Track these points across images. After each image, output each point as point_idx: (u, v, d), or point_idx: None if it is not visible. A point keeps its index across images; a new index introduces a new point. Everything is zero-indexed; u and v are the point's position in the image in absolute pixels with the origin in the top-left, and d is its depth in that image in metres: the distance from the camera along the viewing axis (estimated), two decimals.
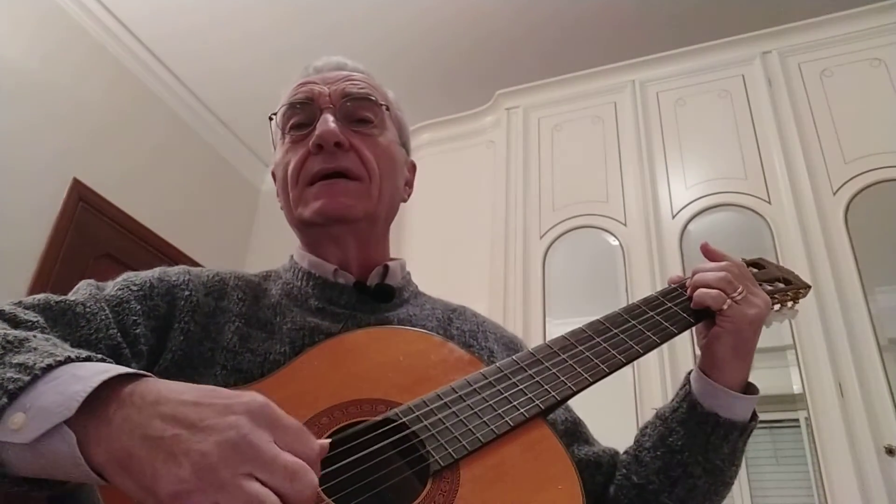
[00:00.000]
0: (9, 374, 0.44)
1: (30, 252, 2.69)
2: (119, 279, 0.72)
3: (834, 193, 2.19)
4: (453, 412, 0.62)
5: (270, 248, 3.66)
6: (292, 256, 0.86)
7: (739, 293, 0.75)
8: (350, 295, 0.79)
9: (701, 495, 0.75)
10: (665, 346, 0.80)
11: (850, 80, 2.36)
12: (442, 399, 0.63)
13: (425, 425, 0.60)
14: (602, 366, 0.69)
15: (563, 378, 0.67)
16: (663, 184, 2.45)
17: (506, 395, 0.65)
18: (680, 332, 0.75)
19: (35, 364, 0.45)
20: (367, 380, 0.65)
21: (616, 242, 2.43)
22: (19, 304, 0.61)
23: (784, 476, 2.34)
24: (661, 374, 2.07)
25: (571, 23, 3.11)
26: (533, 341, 1.91)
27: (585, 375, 0.68)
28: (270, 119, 0.84)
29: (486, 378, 0.66)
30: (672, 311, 0.77)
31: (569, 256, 2.53)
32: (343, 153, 0.78)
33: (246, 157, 4.03)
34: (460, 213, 2.78)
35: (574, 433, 0.82)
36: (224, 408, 0.41)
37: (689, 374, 0.78)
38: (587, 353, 0.70)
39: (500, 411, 0.63)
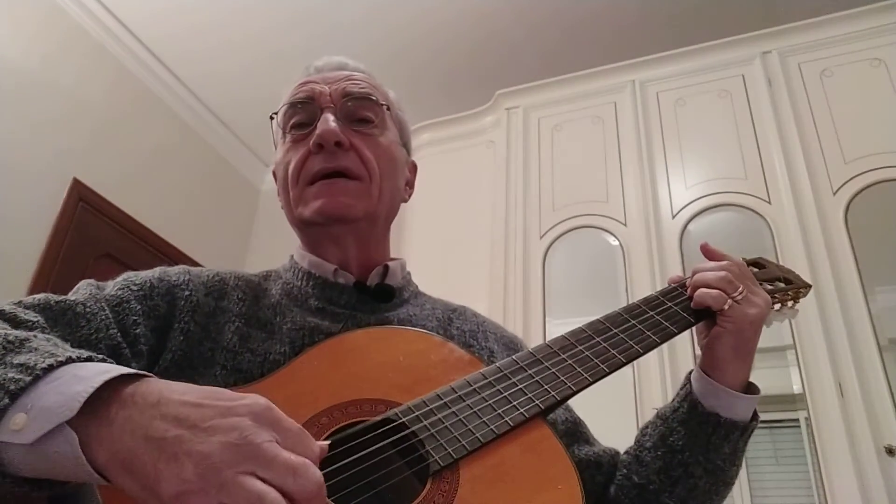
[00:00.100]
0: (10, 375, 0.44)
1: (30, 252, 2.69)
2: (119, 279, 0.72)
3: (834, 193, 2.19)
4: (453, 412, 0.62)
5: (270, 248, 3.66)
6: (292, 256, 0.85)
7: (740, 293, 0.75)
8: (350, 295, 0.79)
9: (702, 495, 0.74)
10: (665, 345, 0.80)
11: (850, 80, 2.36)
12: (442, 399, 0.63)
13: (425, 425, 0.60)
14: (602, 366, 0.69)
15: (562, 378, 0.67)
16: (663, 184, 2.45)
17: (506, 395, 0.65)
18: (680, 332, 0.75)
19: (36, 364, 0.45)
20: (366, 380, 0.65)
21: (616, 242, 2.43)
22: (19, 303, 0.61)
23: (784, 476, 2.33)
24: (661, 374, 2.07)
25: (571, 23, 3.11)
26: (533, 341, 1.91)
27: (585, 375, 0.68)
28: (271, 118, 0.84)
29: (486, 378, 0.66)
30: (672, 310, 0.76)
31: (569, 256, 2.53)
32: (343, 153, 0.78)
33: (246, 158, 4.03)
34: (460, 213, 2.78)
35: (574, 433, 0.82)
36: (226, 409, 0.41)
37: (690, 373, 0.78)
38: (587, 353, 0.70)
39: (499, 411, 0.63)
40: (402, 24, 3.16)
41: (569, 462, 0.60)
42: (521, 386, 0.66)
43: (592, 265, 2.65)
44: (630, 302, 0.79)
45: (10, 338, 0.49)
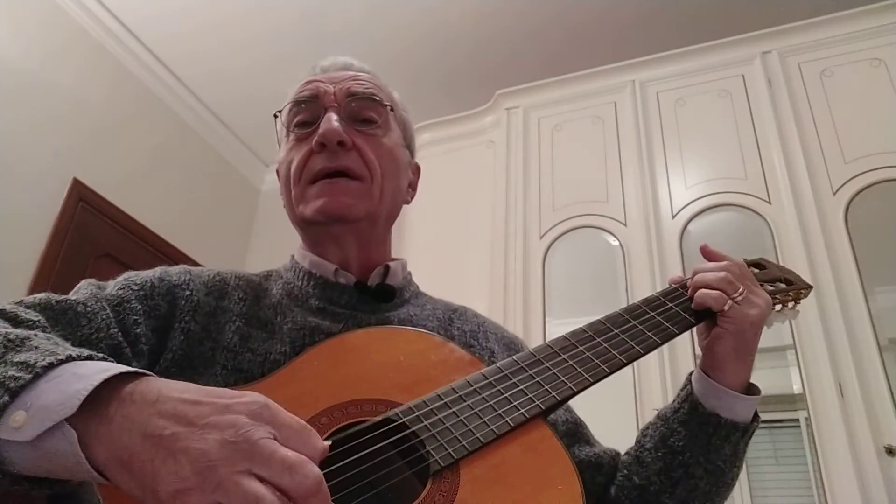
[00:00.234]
0: (10, 373, 0.44)
1: (30, 252, 2.69)
2: (120, 279, 0.72)
3: (834, 193, 2.19)
4: (453, 412, 0.62)
5: (270, 248, 3.67)
6: (293, 256, 0.85)
7: (740, 293, 0.75)
8: (351, 295, 0.79)
9: (702, 496, 0.74)
10: (665, 346, 0.80)
11: (850, 80, 2.36)
12: (442, 399, 0.63)
13: (425, 425, 0.60)
14: (602, 366, 0.69)
15: (563, 378, 0.67)
16: (663, 184, 2.45)
17: (506, 395, 0.65)
18: (681, 333, 0.75)
19: (36, 363, 0.45)
20: (367, 380, 0.65)
21: (616, 242, 2.43)
22: (20, 303, 0.61)
23: (784, 476, 2.33)
24: (661, 374, 2.07)
25: (571, 23, 3.11)
26: (533, 341, 1.91)
27: (586, 376, 0.68)
28: (275, 116, 0.84)
29: (487, 378, 0.66)
30: (673, 311, 0.76)
31: (569, 256, 2.53)
32: (346, 152, 0.77)
33: (246, 157, 4.03)
34: (460, 213, 2.78)
35: (575, 434, 0.82)
36: (224, 406, 0.41)
37: (691, 374, 0.78)
38: (587, 354, 0.70)
39: (500, 411, 0.63)
40: (402, 24, 3.16)
41: (569, 462, 0.60)
42: (521, 386, 0.66)
43: (592, 265, 2.65)
44: (630, 302, 0.79)
45: (11, 336, 0.49)
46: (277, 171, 0.85)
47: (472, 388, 0.65)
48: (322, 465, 0.42)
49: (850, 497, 1.75)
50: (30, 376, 0.44)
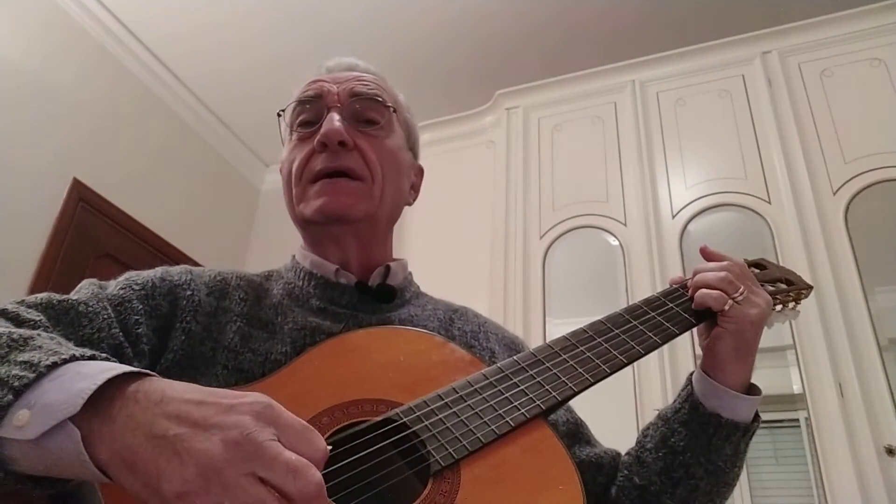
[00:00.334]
0: (14, 372, 0.44)
1: (30, 252, 2.69)
2: (121, 278, 0.72)
3: (834, 193, 2.19)
4: (454, 412, 0.62)
5: (270, 248, 3.66)
6: (294, 256, 0.86)
7: (741, 293, 0.74)
8: (351, 295, 0.79)
9: (703, 496, 0.74)
10: (665, 346, 0.80)
11: (850, 80, 2.36)
12: (443, 399, 0.63)
13: (426, 425, 0.60)
14: (603, 366, 0.69)
15: (564, 378, 0.67)
16: (663, 184, 2.45)
17: (507, 395, 0.65)
18: (681, 333, 0.75)
19: (40, 362, 0.45)
20: (367, 380, 0.65)
21: (616, 242, 2.43)
22: (22, 302, 0.61)
23: (784, 476, 2.34)
24: (662, 374, 2.07)
25: (571, 23, 3.11)
26: (533, 341, 1.91)
27: (586, 376, 0.68)
28: (279, 115, 0.84)
29: (487, 378, 0.66)
30: (673, 311, 0.76)
31: (569, 256, 2.53)
32: (347, 153, 0.78)
33: (246, 157, 4.03)
34: (460, 213, 2.78)
35: (576, 434, 0.81)
36: (228, 407, 0.41)
37: (692, 374, 0.78)
38: (588, 354, 0.70)
39: (500, 411, 0.63)
40: (402, 24, 3.16)
41: (570, 463, 0.60)
42: (522, 386, 0.66)
43: (592, 265, 2.65)
44: (630, 302, 0.79)
45: (15, 336, 0.49)
46: (281, 171, 0.85)
47: (472, 388, 0.65)
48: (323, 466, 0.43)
49: (850, 497, 1.75)
50: (33, 375, 0.44)
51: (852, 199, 2.15)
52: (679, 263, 2.28)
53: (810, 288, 0.88)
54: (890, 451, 1.77)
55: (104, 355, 0.48)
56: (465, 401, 0.63)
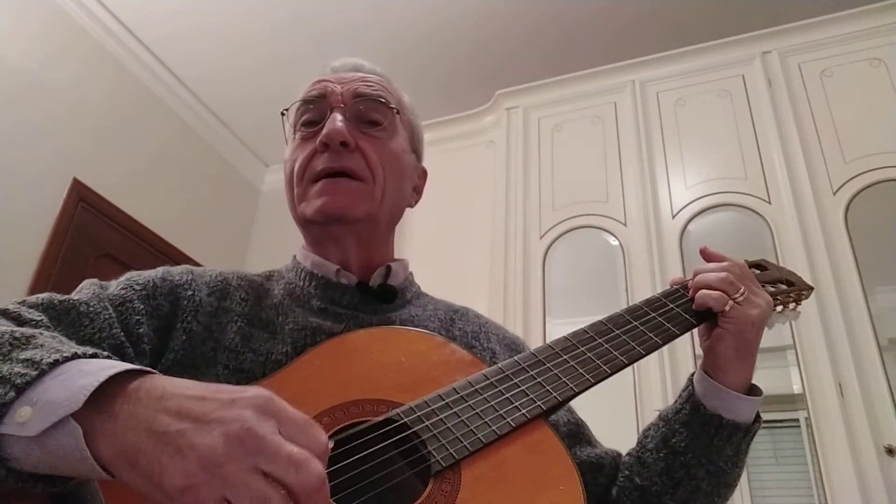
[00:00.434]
0: (16, 369, 0.44)
1: (30, 252, 2.69)
2: (122, 278, 0.72)
3: (834, 193, 2.19)
4: (455, 412, 0.62)
5: (270, 248, 3.67)
6: (295, 256, 0.86)
7: (741, 294, 0.74)
8: (352, 295, 0.79)
9: (704, 497, 0.74)
10: (665, 347, 0.80)
11: (850, 80, 2.36)
12: (444, 399, 0.63)
13: (427, 426, 0.60)
14: (604, 367, 0.69)
15: (564, 379, 0.67)
16: (663, 184, 2.45)
17: (507, 395, 0.65)
18: (682, 334, 0.75)
19: (42, 359, 0.45)
20: (368, 380, 0.65)
21: (616, 242, 2.43)
22: (23, 303, 0.61)
23: (784, 476, 2.34)
24: (662, 375, 2.07)
25: (571, 23, 3.11)
26: (533, 341, 1.91)
27: (587, 376, 0.68)
28: (283, 114, 0.85)
29: (488, 379, 0.66)
30: (674, 312, 0.76)
31: (569, 256, 2.53)
32: (349, 153, 0.78)
33: (246, 157, 4.03)
34: (460, 213, 2.78)
35: (576, 435, 0.82)
36: (229, 402, 0.41)
37: (692, 375, 0.78)
38: (589, 354, 0.70)
39: (501, 412, 0.63)
40: (402, 24, 3.17)
41: (570, 463, 0.60)
42: (522, 387, 0.66)
43: (592, 265, 2.65)
44: (630, 302, 0.79)
45: (17, 334, 0.49)
46: (284, 170, 0.86)
47: (473, 389, 0.65)
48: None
49: (850, 497, 1.75)
50: (36, 373, 0.44)
51: (852, 199, 2.15)
52: (679, 263, 2.28)
53: (811, 289, 0.88)
54: (890, 451, 1.77)
55: (106, 353, 0.48)
56: (466, 401, 0.63)
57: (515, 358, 0.69)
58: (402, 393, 0.64)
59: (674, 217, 2.37)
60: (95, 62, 3.14)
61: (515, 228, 2.58)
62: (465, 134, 2.99)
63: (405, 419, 0.60)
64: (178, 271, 0.75)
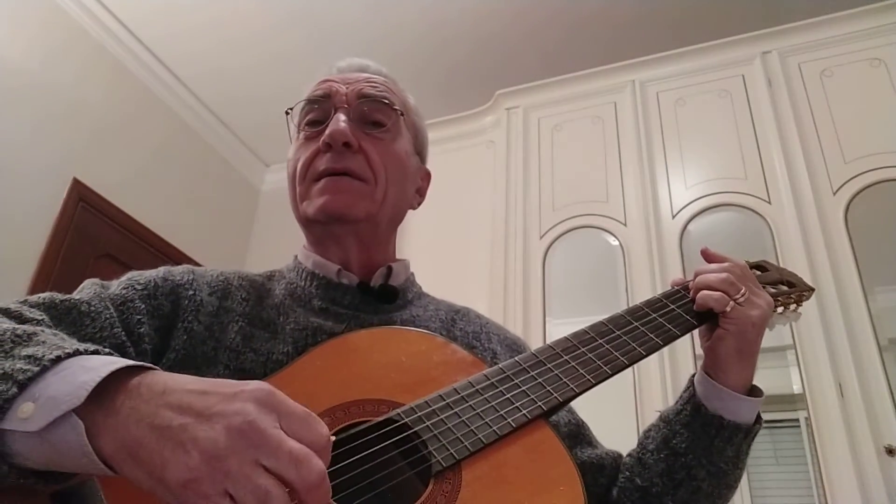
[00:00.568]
0: (18, 366, 0.44)
1: (30, 252, 2.69)
2: (124, 278, 0.72)
3: (834, 193, 2.19)
4: (455, 413, 0.62)
5: (270, 248, 3.67)
6: (296, 256, 0.86)
7: (742, 294, 0.74)
8: (353, 295, 0.79)
9: (704, 498, 0.74)
10: (665, 348, 0.80)
11: (850, 80, 2.36)
12: (444, 400, 0.63)
13: (427, 426, 0.60)
14: (604, 367, 0.69)
15: (565, 379, 0.67)
16: (663, 184, 2.45)
17: (508, 395, 0.65)
18: (683, 335, 0.75)
19: (44, 356, 0.45)
20: (369, 380, 0.65)
21: (616, 242, 2.43)
22: (25, 302, 0.61)
23: (784, 476, 2.34)
24: (662, 375, 2.07)
25: (571, 23, 3.11)
26: (533, 341, 1.91)
27: (588, 377, 0.68)
28: (287, 113, 0.85)
29: (489, 379, 0.66)
30: (675, 313, 0.76)
31: (569, 256, 2.53)
32: (352, 154, 0.78)
33: (246, 157, 4.03)
34: (460, 213, 2.78)
35: (577, 435, 0.82)
36: (231, 395, 0.41)
37: (693, 376, 0.78)
38: (589, 355, 0.70)
39: (502, 412, 0.63)
40: (401, 23, 3.16)
41: (571, 464, 0.60)
42: (523, 387, 0.66)
43: (592, 265, 2.65)
44: (630, 302, 0.79)
45: (19, 332, 0.49)
46: (287, 169, 0.86)
47: (474, 389, 0.65)
48: None
49: (850, 497, 1.76)
50: (38, 369, 0.44)
51: (852, 199, 2.15)
52: (679, 263, 2.28)
53: (812, 290, 0.88)
54: (890, 451, 1.77)
55: (107, 350, 0.48)
56: (467, 401, 0.63)
57: (516, 358, 0.69)
58: (402, 393, 0.64)
59: (674, 217, 2.37)
60: (95, 62, 3.14)
61: (515, 228, 2.58)
62: (464, 134, 2.98)
63: (406, 419, 0.60)
64: (179, 271, 0.75)
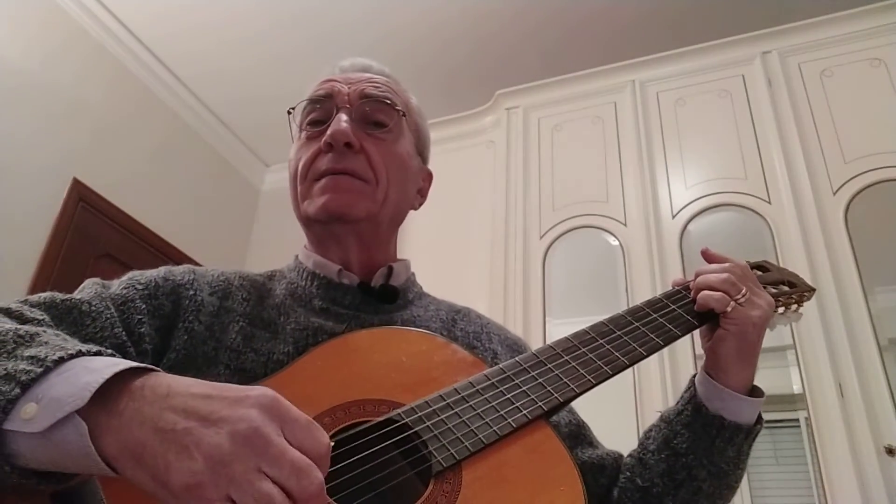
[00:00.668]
0: (21, 367, 0.44)
1: (30, 252, 2.69)
2: (124, 278, 0.72)
3: (834, 193, 2.19)
4: (456, 413, 0.62)
5: (270, 248, 3.67)
6: (297, 256, 0.86)
7: (743, 295, 0.74)
8: (354, 295, 0.79)
9: (705, 498, 0.74)
10: (666, 348, 0.80)
11: (850, 80, 2.36)
12: (445, 400, 0.63)
13: (428, 426, 0.60)
14: (605, 368, 0.69)
15: (565, 380, 0.67)
16: (663, 184, 2.45)
17: (508, 396, 0.65)
18: (683, 335, 0.75)
19: (47, 357, 0.45)
20: (369, 380, 0.65)
21: (616, 242, 2.43)
22: (25, 301, 0.61)
23: (784, 476, 2.34)
24: (662, 376, 2.07)
25: (571, 23, 3.11)
26: (533, 341, 1.91)
27: (588, 377, 0.68)
28: (289, 113, 0.85)
29: (489, 379, 0.66)
30: (675, 313, 0.76)
31: (569, 256, 2.53)
32: (353, 155, 0.78)
33: (246, 157, 4.03)
34: (460, 213, 2.78)
35: (578, 436, 0.81)
36: (235, 401, 0.41)
37: (694, 376, 0.78)
38: (590, 355, 0.70)
39: (502, 412, 0.63)
40: (402, 24, 3.16)
41: (571, 464, 0.60)
42: (524, 388, 0.66)
43: (592, 265, 2.65)
44: (631, 302, 0.79)
45: (21, 332, 0.49)
46: (288, 168, 0.86)
47: (474, 389, 0.65)
48: None
49: (850, 497, 1.75)
50: (41, 370, 0.44)
51: (852, 199, 2.15)
52: (679, 263, 2.28)
53: (813, 290, 0.88)
54: (890, 451, 1.77)
55: (110, 351, 0.48)
56: (467, 401, 0.63)
57: (517, 358, 0.69)
58: (403, 393, 0.64)
59: (674, 217, 2.37)
60: (95, 62, 3.14)
61: (515, 228, 2.58)
62: (464, 134, 2.98)
63: (406, 419, 0.60)
64: (180, 271, 0.75)
